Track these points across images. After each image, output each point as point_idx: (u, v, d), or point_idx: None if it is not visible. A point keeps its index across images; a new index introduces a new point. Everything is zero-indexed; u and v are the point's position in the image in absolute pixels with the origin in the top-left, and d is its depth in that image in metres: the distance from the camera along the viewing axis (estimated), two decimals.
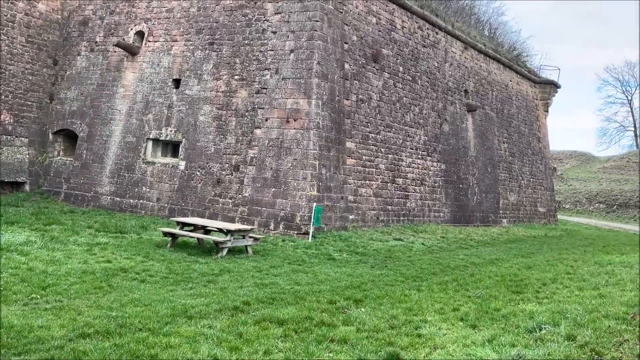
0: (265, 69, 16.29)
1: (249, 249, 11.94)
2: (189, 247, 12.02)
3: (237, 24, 16.97)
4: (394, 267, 11.81)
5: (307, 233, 14.54)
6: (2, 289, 7.07)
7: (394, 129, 19.02)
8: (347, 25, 17.11)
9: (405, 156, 19.50)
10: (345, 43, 16.99)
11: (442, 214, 21.17)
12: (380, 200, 17.92)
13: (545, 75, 32.37)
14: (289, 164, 15.36)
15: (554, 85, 31.86)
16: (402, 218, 18.87)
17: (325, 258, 12.32)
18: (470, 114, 24.05)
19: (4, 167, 18.14)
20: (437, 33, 21.98)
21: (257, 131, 16.05)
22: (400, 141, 19.33)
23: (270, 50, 16.33)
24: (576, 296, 8.57)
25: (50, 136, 19.58)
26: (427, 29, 21.37)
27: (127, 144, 18.04)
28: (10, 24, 18.43)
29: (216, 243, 11.25)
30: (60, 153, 19.59)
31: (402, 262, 12.58)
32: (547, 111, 32.40)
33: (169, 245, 11.84)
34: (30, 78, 19.13)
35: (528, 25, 66.19)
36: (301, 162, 15.25)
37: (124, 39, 18.61)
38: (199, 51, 17.40)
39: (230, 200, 15.96)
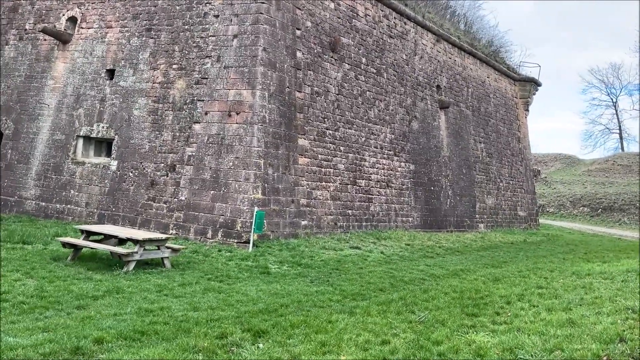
0: (206, 56, 14.50)
1: (166, 262, 10.10)
2: (96, 261, 10.15)
3: (177, 7, 15.17)
4: (337, 281, 10.03)
5: (247, 242, 12.72)
6: None
7: (355, 126, 17.29)
8: (299, 9, 15.37)
9: (369, 156, 17.77)
10: (298, 29, 15.25)
11: (411, 219, 19.45)
12: (338, 204, 16.15)
13: (525, 73, 30.91)
14: (230, 163, 13.55)
15: (534, 83, 30.39)
16: (364, 224, 17.12)
17: (259, 272, 10.52)
18: (443, 111, 22.41)
19: None
20: (405, 23, 20.33)
21: (196, 126, 14.22)
22: (363, 139, 17.60)
23: (212, 36, 14.54)
24: (541, 321, 6.84)
25: None
26: (395, 18, 19.71)
27: (55, 142, 16.12)
28: None
29: (120, 256, 9.38)
30: None
31: (349, 275, 10.81)
32: (527, 110, 30.91)
33: (69, 257, 9.96)
34: None
35: (509, 25, 65.12)
36: (244, 161, 13.45)
37: (55, 26, 16.72)
38: (135, 38, 15.56)
39: (164, 205, 14.10)
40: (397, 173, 19.15)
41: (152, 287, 8.30)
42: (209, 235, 13.25)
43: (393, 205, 18.69)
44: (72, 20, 16.74)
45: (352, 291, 9.15)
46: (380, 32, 18.80)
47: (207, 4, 14.79)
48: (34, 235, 12.27)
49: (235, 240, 12.91)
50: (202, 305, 7.35)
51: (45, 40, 16.97)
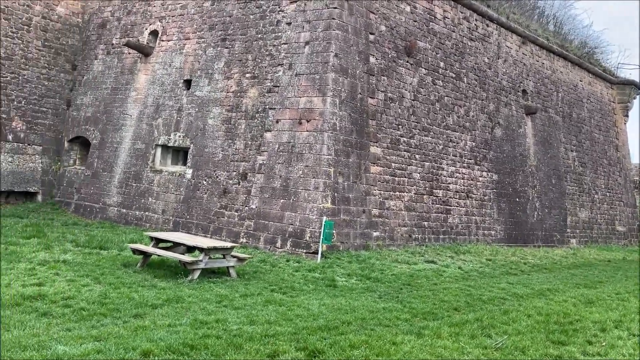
0: (278, 64, 14.40)
1: (232, 271, 9.93)
2: (164, 268, 10.19)
3: (251, 16, 15.24)
4: (407, 298, 9.37)
5: (316, 252, 12.35)
6: None
7: (432, 133, 16.48)
8: (373, 13, 14.91)
9: (447, 164, 16.87)
10: (371, 34, 14.79)
11: (493, 232, 18.23)
12: (413, 214, 15.40)
13: (624, 75, 28.37)
14: (300, 172, 13.29)
15: (634, 86, 27.80)
16: (442, 236, 16.21)
17: (325, 284, 10.08)
18: (529, 118, 20.95)
19: (14, 176, 17.34)
20: (487, 25, 19.23)
21: (267, 135, 14.13)
22: (441, 147, 16.74)
23: (284, 43, 14.43)
24: None
25: (66, 144, 18.69)
26: (476, 20, 18.70)
27: (136, 151, 16.71)
28: (25, 27, 17.76)
29: (184, 264, 9.33)
30: (76, 162, 18.64)
31: (421, 291, 10.10)
32: (627, 115, 28.32)
33: (139, 264, 10.07)
34: (46, 84, 18.37)
35: (605, 24, 60.52)
36: (313, 170, 13.13)
37: (138, 40, 17.43)
38: (211, 48, 15.82)
39: (236, 213, 14.09)
40: (479, 183, 18.04)
41: (213, 298, 8.10)
42: (278, 244, 13.03)
43: (474, 217, 17.60)
44: (154, 33, 17.36)
45: (422, 309, 8.47)
46: (460, 34, 17.88)
47: (280, 12, 14.72)
48: (111, 241, 12.64)
49: (304, 251, 12.59)
50: (259, 318, 7.01)
51: (129, 53, 17.72)
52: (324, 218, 12.36)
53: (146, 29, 17.51)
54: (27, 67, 17.82)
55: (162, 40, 17.07)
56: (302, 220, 12.89)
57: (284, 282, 9.92)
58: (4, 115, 17.22)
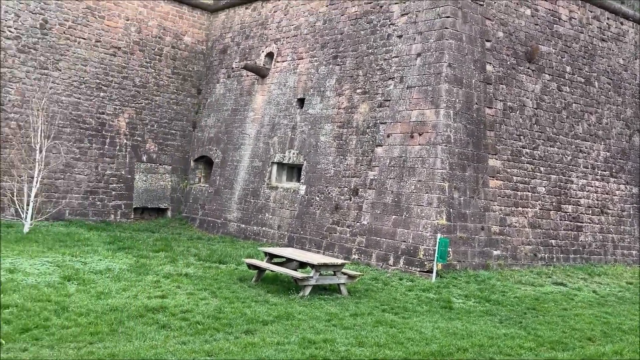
0: (389, 78, 14.20)
1: (343, 289, 9.82)
2: (278, 283, 10.36)
3: (362, 32, 15.24)
4: (531, 324, 8.58)
5: (430, 271, 11.84)
6: None
7: (559, 143, 15.18)
8: (489, 19, 14.17)
9: (577, 177, 15.42)
10: (488, 41, 14.04)
11: (634, 252, 16.27)
12: (539, 232, 14.23)
13: None
14: (412, 187, 12.89)
15: None
16: (572, 256, 14.78)
17: (440, 306, 9.57)
18: None
19: (148, 193, 18.91)
20: (622, 23, 17.43)
21: (378, 149, 13.94)
22: (569, 158, 15.35)
23: (395, 56, 14.22)
24: None
25: (192, 163, 20.02)
26: (608, 18, 17.03)
27: (254, 169, 17.39)
28: (157, 57, 19.41)
29: (295, 280, 9.38)
30: (201, 180, 19.87)
31: (548, 317, 9.20)
32: None
33: (254, 279, 10.34)
34: (175, 108, 19.88)
35: None
36: (426, 184, 12.67)
37: (255, 62, 18.24)
38: (323, 67, 16.06)
39: (347, 229, 14.02)
40: (615, 197, 16.25)
41: (323, 316, 8.02)
42: (391, 262, 12.70)
43: (610, 235, 15.86)
44: (270, 55, 18.06)
45: (550, 338, 7.68)
46: (589, 35, 16.39)
47: (391, 26, 14.55)
48: (230, 255, 13.18)
49: (418, 269, 12.13)
50: (369, 340, 6.78)
51: (247, 76, 18.61)
52: (439, 235, 11.82)
53: (262, 51, 18.28)
54: (159, 93, 19.44)
55: (277, 62, 17.68)
56: (415, 237, 12.46)
57: (396, 301, 9.59)
58: (139, 139, 18.90)
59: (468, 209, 12.96)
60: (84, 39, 17.74)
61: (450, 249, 12.13)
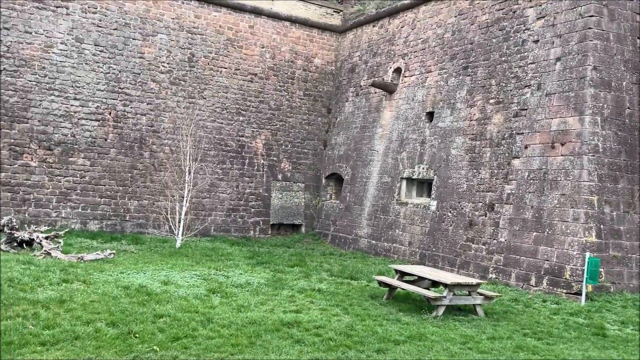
0: (525, 86, 13.40)
1: (479, 310, 9.35)
2: (409, 302, 10.18)
3: (494, 40, 14.62)
4: None
5: (579, 293, 10.82)
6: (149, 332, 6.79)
7: None
8: None
9: None
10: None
11: None
12: None
13: None
14: (555, 201, 11.94)
15: None
16: None
17: (591, 332, 8.69)
18: None
19: (283, 210, 19.81)
20: None
21: (515, 162, 13.16)
22: None
23: (531, 63, 13.39)
24: None
25: (323, 180, 20.60)
26: None
27: (383, 185, 17.39)
28: (290, 80, 20.40)
29: (428, 299, 9.13)
30: (332, 196, 20.35)
31: None
32: None
33: (385, 296, 10.27)
34: (307, 128, 20.67)
35: None
36: (571, 199, 11.66)
37: (383, 79, 18.35)
38: (453, 78, 15.65)
39: (483, 247, 13.37)
40: None
41: (458, 337, 7.69)
42: (532, 282, 11.83)
43: None
44: (397, 71, 18.05)
45: None
46: None
47: (526, 31, 13.76)
48: (361, 271, 13.26)
49: (564, 291, 11.15)
50: None
51: (375, 93, 18.77)
52: (587, 254, 10.77)
53: (390, 67, 18.33)
54: (292, 114, 20.37)
55: (405, 76, 17.60)
56: (559, 256, 11.49)
57: (539, 325, 8.89)
58: (275, 159, 19.93)
59: (622, 225, 11.67)
60: (225, 68, 19.25)
61: (601, 269, 11.00)
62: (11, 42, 16.11)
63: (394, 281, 10.15)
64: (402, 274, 10.37)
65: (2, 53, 15.98)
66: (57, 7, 16.73)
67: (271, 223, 19.64)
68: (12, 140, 16.02)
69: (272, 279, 11.45)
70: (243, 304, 8.82)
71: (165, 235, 16.69)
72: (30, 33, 16.34)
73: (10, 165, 15.95)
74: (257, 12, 19.69)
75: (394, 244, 16.24)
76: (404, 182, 16.71)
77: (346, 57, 20.89)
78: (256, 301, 9.16)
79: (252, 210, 19.40)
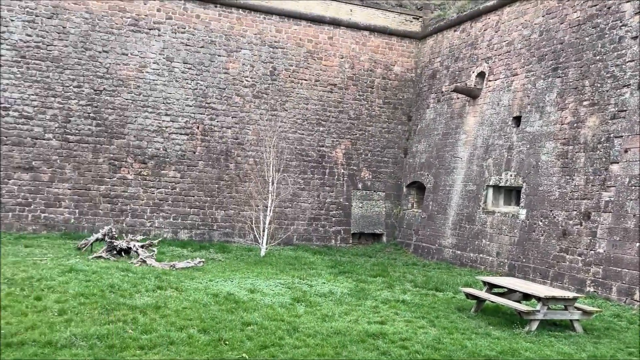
0: (624, 85, 12.50)
1: (577, 325, 8.77)
2: (499, 315, 9.75)
3: (586, 39, 13.79)
4: None
5: None
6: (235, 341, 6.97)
7: None
8: None
9: None
10: None
11: None
12: None
13: None
14: None
15: None
16: None
17: None
18: None
19: (364, 219, 19.74)
20: None
21: (614, 167, 12.27)
22: None
23: (630, 61, 12.48)
24: None
25: (404, 189, 20.32)
26: None
27: (468, 193, 16.85)
28: (369, 89, 20.38)
29: (520, 313, 8.68)
30: (413, 205, 20.02)
31: None
32: None
33: (473, 309, 9.91)
34: (387, 136, 20.52)
35: None
36: None
37: (465, 84, 17.86)
38: (541, 81, 14.92)
39: (579, 258, 12.55)
40: None
41: (554, 355, 7.25)
42: (636, 297, 10.93)
43: None
44: (481, 75, 17.50)
45: None
46: None
47: (623, 27, 12.86)
48: (446, 282, 12.89)
49: None
50: None
51: (457, 98, 18.29)
52: None
53: (473, 72, 17.80)
54: (372, 123, 20.32)
55: (489, 80, 17.02)
56: None
57: None
58: (355, 168, 19.95)
59: None
60: (305, 80, 19.59)
61: None
62: (110, 64, 17.38)
63: (482, 293, 9.77)
64: (490, 286, 9.96)
65: (102, 74, 17.27)
66: (150, 30, 17.84)
67: (352, 232, 19.63)
68: (111, 155, 17.22)
69: (355, 288, 11.41)
70: (327, 314, 8.85)
71: (250, 244, 17.16)
72: (127, 55, 17.54)
73: (110, 178, 17.13)
74: (336, 23, 19.90)
75: (481, 255, 15.66)
76: (490, 190, 16.10)
77: (426, 64, 20.56)
78: (340, 311, 9.15)
79: (333, 219, 19.50)
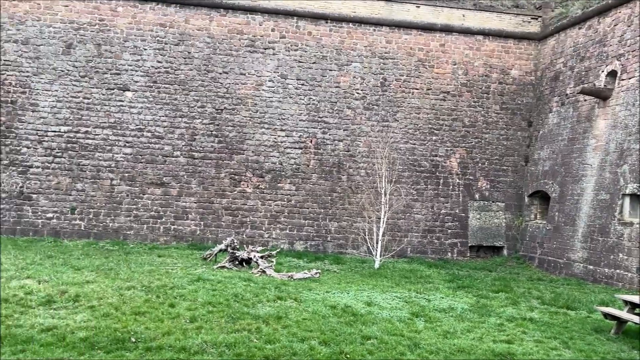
0: None
1: None
2: None
3: None
4: None
5: None
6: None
7: None
8: None
9: None
10: None
11: None
12: None
13: None
14: None
15: None
16: None
17: None
18: None
19: (482, 231, 18.87)
20: None
21: None
22: None
23: None
24: None
25: (526, 199, 19.13)
26: None
27: (600, 203, 15.43)
28: (484, 95, 19.56)
29: None
30: (536, 216, 18.78)
31: None
32: None
33: (612, 330, 8.98)
34: (505, 143, 19.51)
35: None
36: None
37: (594, 84, 16.48)
38: None
39: None
40: None
41: None
42: None
43: None
44: (612, 74, 16.04)
45: None
46: None
47: None
48: (578, 300, 11.87)
49: None
50: None
51: (585, 100, 16.93)
52: None
53: (602, 71, 16.38)
54: (488, 130, 19.45)
55: (622, 79, 15.55)
56: None
57: None
58: (471, 177, 19.19)
59: None
60: (417, 89, 19.28)
61: None
62: (229, 83, 18.42)
63: (624, 314, 8.83)
64: (633, 306, 8.97)
65: (222, 94, 18.35)
66: (265, 49, 18.66)
67: (469, 245, 18.84)
68: (232, 170, 18.17)
69: (476, 304, 10.88)
70: (448, 330, 8.51)
71: (364, 255, 17.13)
72: (244, 74, 18.49)
73: (231, 192, 18.07)
74: (447, 29, 19.41)
75: (618, 270, 14.23)
76: (627, 199, 14.61)
77: (547, 65, 19.29)
78: (462, 328, 8.76)
79: (449, 231, 18.87)
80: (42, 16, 17.76)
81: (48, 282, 9.65)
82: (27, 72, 17.54)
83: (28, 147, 17.28)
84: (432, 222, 18.86)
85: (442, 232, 18.84)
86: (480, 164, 19.31)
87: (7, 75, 17.40)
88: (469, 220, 18.94)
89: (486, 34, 19.59)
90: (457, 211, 18.99)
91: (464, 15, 19.54)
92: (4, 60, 17.39)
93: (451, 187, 19.11)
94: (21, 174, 17.14)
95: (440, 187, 19.07)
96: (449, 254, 18.70)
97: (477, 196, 19.16)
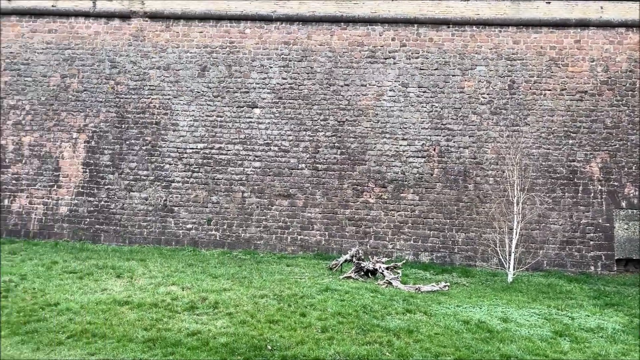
0: None
1: None
2: None
3: None
4: None
5: None
6: None
7: None
8: None
9: None
10: None
11: None
12: None
13: None
14: None
15: None
16: None
17: None
18: None
19: (631, 243, 16.98)
20: None
21: None
22: None
23: None
24: None
25: None
26: None
27: None
28: (629, 92, 17.72)
29: None
30: None
31: None
32: None
33: None
34: None
35: None
36: None
37: None
38: None
39: None
40: None
41: None
42: None
43: None
44: None
45: None
46: None
47: None
48: None
49: None
50: None
51: None
52: None
53: None
54: (635, 131, 17.55)
55: None
56: None
57: None
58: (615, 184, 17.41)
59: None
60: (549, 90, 18.00)
61: None
62: (351, 96, 18.63)
63: None
64: None
65: (344, 106, 18.61)
66: (386, 59, 18.63)
67: (616, 258, 17.04)
68: (354, 181, 18.30)
69: (629, 325, 9.77)
70: (600, 353, 7.72)
71: (495, 268, 16.24)
72: (365, 85, 18.60)
73: (354, 203, 18.19)
74: (583, 24, 17.93)
75: None
76: None
77: None
78: (615, 350, 7.89)
79: (591, 243, 17.24)
80: (181, 43, 19.42)
81: (190, 289, 10.37)
82: (169, 95, 19.23)
83: (170, 164, 18.88)
84: (571, 232, 17.37)
85: (582, 243, 17.28)
86: (626, 169, 17.45)
87: (152, 99, 19.22)
88: (615, 230, 17.15)
89: (629, 25, 17.77)
90: (600, 221, 17.30)
91: (602, 8, 17.92)
92: (149, 85, 19.25)
93: (592, 194, 17.48)
94: (164, 189, 18.76)
95: (579, 194, 17.54)
96: (592, 267, 17.07)
97: (623, 204, 17.31)
